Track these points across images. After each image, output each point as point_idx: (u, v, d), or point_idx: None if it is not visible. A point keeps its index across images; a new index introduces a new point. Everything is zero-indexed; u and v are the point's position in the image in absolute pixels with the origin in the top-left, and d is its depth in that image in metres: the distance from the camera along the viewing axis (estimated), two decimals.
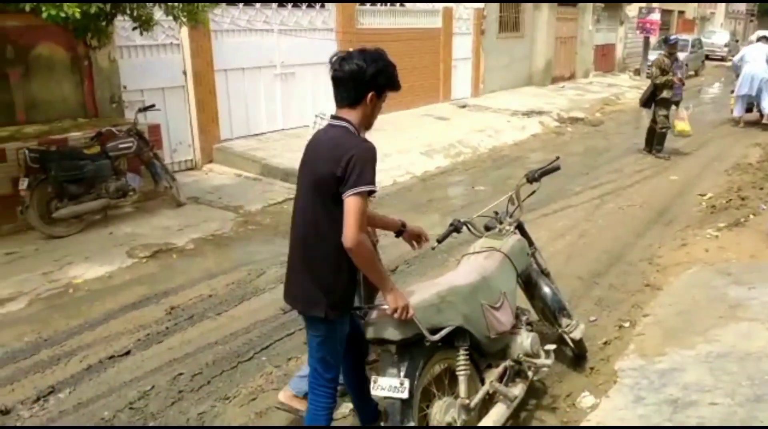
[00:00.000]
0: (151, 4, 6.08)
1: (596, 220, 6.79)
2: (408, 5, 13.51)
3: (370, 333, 2.63)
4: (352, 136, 2.51)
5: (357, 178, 2.37)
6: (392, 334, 2.55)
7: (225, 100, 9.17)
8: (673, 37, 10.57)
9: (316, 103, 10.51)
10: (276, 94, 10.02)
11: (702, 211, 7.03)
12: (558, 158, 3.65)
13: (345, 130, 2.52)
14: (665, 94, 9.55)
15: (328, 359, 2.68)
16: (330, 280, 2.54)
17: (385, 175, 8.50)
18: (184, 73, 8.52)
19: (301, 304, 2.65)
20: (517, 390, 3.11)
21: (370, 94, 2.53)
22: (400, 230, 3.05)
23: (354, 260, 2.45)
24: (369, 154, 2.43)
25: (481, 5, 15.27)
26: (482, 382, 2.99)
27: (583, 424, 3.15)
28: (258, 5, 9.61)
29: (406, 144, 9.88)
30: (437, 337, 2.63)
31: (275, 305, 4.65)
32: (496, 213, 3.60)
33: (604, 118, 14.36)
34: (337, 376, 2.75)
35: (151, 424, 3.37)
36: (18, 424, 3.36)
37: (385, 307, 2.54)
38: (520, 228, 3.61)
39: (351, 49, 2.60)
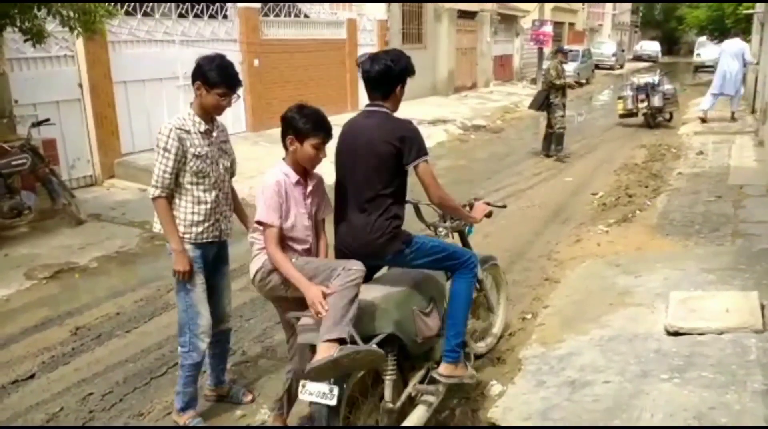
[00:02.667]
0: (42, 15, 5.84)
1: (499, 221, 7.11)
2: (312, 16, 13.63)
3: (302, 338, 2.67)
4: (394, 118, 3.00)
5: (418, 151, 2.90)
6: None
7: (125, 112, 8.91)
8: (565, 47, 11.38)
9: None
10: (179, 106, 9.77)
11: (594, 208, 7.56)
12: (505, 206, 3.79)
13: (386, 115, 3.00)
14: (560, 97, 10.19)
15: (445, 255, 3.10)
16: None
17: None
18: (80, 85, 8.21)
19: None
20: (438, 391, 3.16)
21: (398, 87, 3.03)
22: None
23: (444, 210, 3.32)
24: (417, 132, 2.98)
25: (384, 17, 15.63)
26: (405, 383, 3.06)
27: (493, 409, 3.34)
28: (157, 16, 9.41)
29: None
30: (370, 345, 2.63)
31: None
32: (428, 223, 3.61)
33: (504, 125, 15.06)
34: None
35: None
36: None
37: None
38: (461, 234, 3.67)
39: (373, 52, 3.11)
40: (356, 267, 2.69)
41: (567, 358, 3.69)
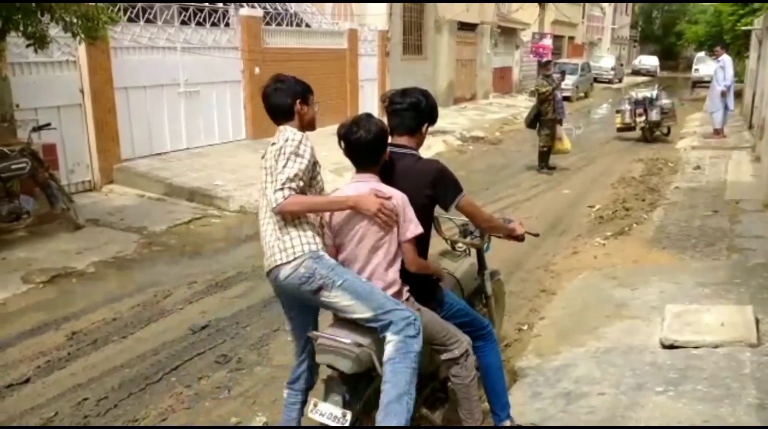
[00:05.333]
0: (46, 21, 5.88)
1: None
2: (314, 26, 13.71)
3: (321, 359, 2.64)
4: (422, 160, 2.89)
5: (454, 190, 2.80)
6: (346, 366, 2.54)
7: (126, 118, 8.93)
8: (544, 59, 11.52)
9: (221, 122, 10.45)
10: (180, 112, 9.86)
11: (591, 221, 7.58)
12: (538, 235, 3.70)
13: (415, 157, 2.88)
14: (550, 113, 10.20)
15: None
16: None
17: None
18: (81, 91, 8.24)
19: None
20: (439, 415, 3.15)
21: (426, 125, 2.93)
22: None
23: (491, 231, 3.26)
24: (448, 171, 2.86)
25: (385, 27, 15.72)
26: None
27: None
28: (160, 22, 9.46)
29: None
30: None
31: (184, 326, 4.60)
32: (465, 224, 3.51)
33: (503, 136, 15.11)
34: None
35: None
36: None
37: (345, 340, 2.55)
38: (479, 252, 3.57)
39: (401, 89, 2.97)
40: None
41: (563, 370, 3.70)
